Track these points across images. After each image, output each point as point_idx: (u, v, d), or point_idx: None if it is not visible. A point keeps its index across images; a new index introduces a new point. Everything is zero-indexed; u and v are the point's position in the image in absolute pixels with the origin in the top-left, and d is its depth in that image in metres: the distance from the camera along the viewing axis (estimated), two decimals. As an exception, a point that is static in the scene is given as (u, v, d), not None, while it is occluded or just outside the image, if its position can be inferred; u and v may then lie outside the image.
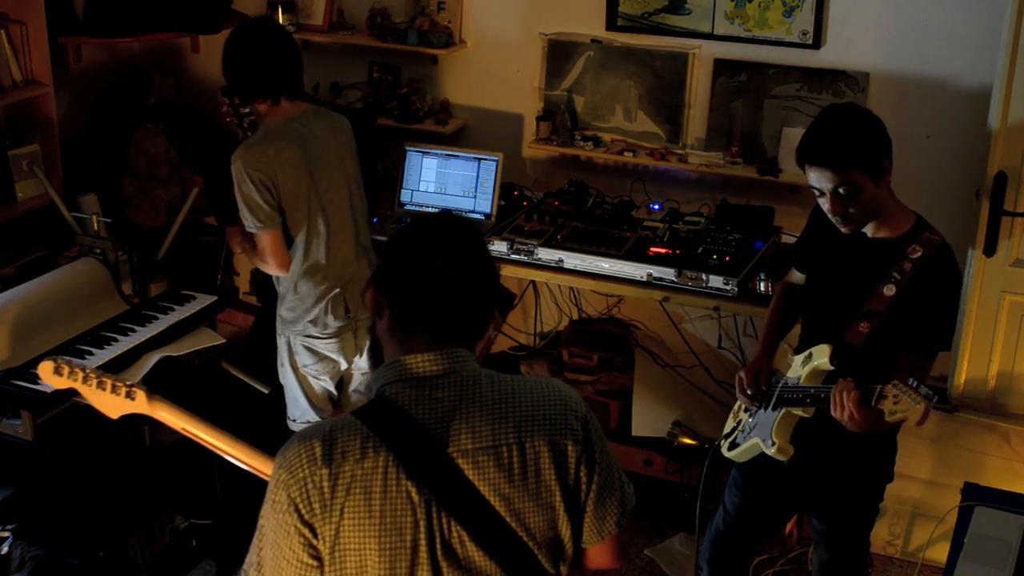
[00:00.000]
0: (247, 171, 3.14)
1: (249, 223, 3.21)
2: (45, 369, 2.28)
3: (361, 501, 1.65)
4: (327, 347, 3.42)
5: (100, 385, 2.22)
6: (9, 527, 3.18)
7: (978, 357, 3.70)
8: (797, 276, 3.01)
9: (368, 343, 3.19)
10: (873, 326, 2.63)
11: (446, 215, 1.89)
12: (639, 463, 4.10)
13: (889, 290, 2.61)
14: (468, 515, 1.68)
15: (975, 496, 3.24)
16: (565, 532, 1.76)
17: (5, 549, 3.16)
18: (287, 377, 3.50)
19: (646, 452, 4.10)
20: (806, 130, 2.64)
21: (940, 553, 3.53)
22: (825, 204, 2.59)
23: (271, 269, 3.33)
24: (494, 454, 1.70)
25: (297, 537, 1.66)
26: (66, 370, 2.25)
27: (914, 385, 2.35)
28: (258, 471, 2.08)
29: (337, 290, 3.36)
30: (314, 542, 1.66)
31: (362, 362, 3.51)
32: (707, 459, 3.11)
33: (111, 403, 2.22)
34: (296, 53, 3.27)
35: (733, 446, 2.96)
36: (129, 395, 2.20)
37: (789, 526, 3.89)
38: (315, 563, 1.67)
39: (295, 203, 3.22)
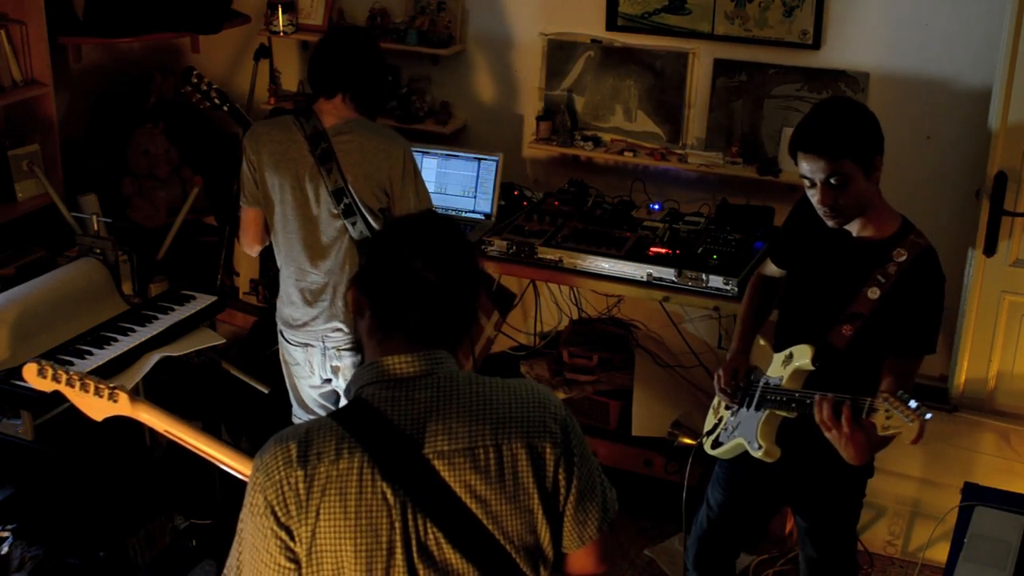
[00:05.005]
0: (244, 146, 3.26)
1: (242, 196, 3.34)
2: (29, 371, 2.28)
3: (336, 502, 1.64)
4: (296, 352, 3.37)
5: (83, 387, 2.22)
6: (9, 527, 3.18)
7: (978, 357, 3.70)
8: (772, 269, 3.01)
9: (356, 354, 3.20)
10: (856, 328, 2.64)
11: (428, 215, 1.89)
12: (639, 463, 4.10)
13: (873, 293, 2.62)
14: (444, 517, 1.67)
15: (975, 496, 3.23)
16: (544, 536, 1.74)
17: (5, 549, 3.16)
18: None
19: (646, 452, 4.10)
20: (801, 119, 2.65)
21: (940, 553, 3.53)
22: (815, 195, 2.60)
23: (243, 245, 3.42)
24: (471, 456, 1.68)
25: (274, 539, 1.66)
26: (49, 372, 2.26)
27: (906, 399, 2.33)
28: (242, 474, 2.07)
29: (303, 305, 3.29)
30: (291, 544, 1.66)
31: (340, 382, 3.39)
32: (690, 457, 3.10)
33: (95, 405, 2.23)
34: (350, 63, 3.21)
35: (716, 444, 2.97)
36: (112, 397, 2.20)
37: (789, 526, 3.89)
38: (292, 566, 1.66)
39: (267, 191, 3.24)
